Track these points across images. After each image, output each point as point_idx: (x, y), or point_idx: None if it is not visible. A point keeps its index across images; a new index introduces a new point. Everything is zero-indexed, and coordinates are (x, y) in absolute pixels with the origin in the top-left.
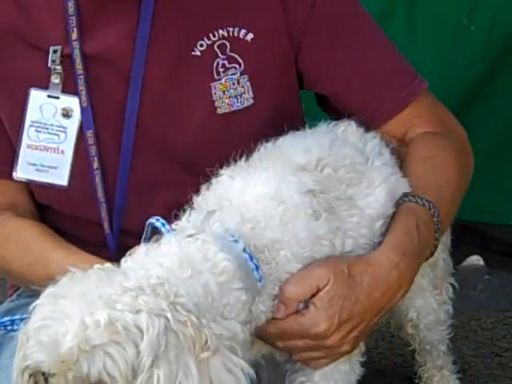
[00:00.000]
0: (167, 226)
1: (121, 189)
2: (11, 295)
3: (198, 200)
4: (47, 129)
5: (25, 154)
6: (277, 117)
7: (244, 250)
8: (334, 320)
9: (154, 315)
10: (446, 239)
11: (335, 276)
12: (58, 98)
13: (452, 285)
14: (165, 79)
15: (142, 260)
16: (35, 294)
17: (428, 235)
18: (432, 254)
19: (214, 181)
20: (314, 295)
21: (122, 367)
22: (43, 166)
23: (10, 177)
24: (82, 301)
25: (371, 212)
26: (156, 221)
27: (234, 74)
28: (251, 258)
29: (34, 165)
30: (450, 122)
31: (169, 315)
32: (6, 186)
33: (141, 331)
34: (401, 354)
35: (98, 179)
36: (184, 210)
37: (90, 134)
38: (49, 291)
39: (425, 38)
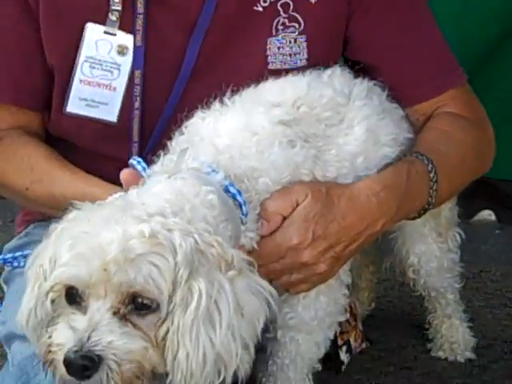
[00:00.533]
0: (147, 170)
1: (159, 130)
2: (20, 233)
3: (171, 144)
4: (101, 65)
5: (77, 89)
6: None
7: (225, 179)
8: (308, 234)
9: (185, 234)
10: None
11: (313, 193)
12: (114, 34)
13: (459, 234)
14: (224, 32)
15: (141, 196)
16: (44, 232)
17: (420, 182)
18: (425, 210)
19: (186, 124)
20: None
21: (167, 276)
22: (94, 101)
23: (31, 108)
24: (114, 220)
25: (350, 148)
26: (137, 163)
27: (293, 32)
28: (232, 185)
29: (85, 100)
30: (481, 115)
31: (196, 236)
32: (21, 113)
33: (174, 247)
34: (409, 303)
35: (136, 119)
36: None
37: (138, 73)
38: (71, 217)
39: None
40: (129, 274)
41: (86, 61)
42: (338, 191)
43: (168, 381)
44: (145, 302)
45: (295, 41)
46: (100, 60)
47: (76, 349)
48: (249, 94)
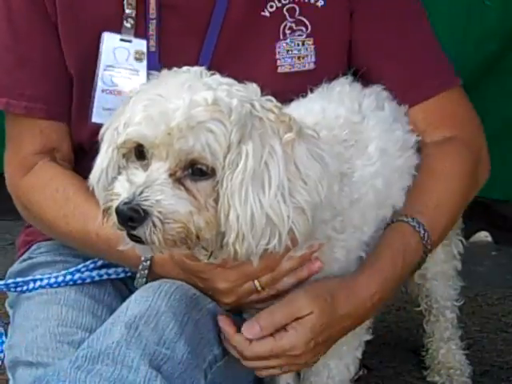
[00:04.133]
0: None
1: None
2: (22, 255)
3: None
4: (120, 72)
5: (100, 99)
6: None
7: None
8: (311, 344)
9: (244, 101)
10: None
11: (319, 307)
12: (130, 41)
13: (461, 242)
14: (234, 37)
15: None
16: (49, 251)
17: (413, 259)
18: (417, 268)
19: None
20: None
21: (222, 141)
22: None
23: (60, 119)
24: (186, 86)
25: (369, 169)
26: None
27: (301, 35)
28: None
29: (109, 110)
30: (472, 127)
31: (256, 103)
32: (51, 128)
33: (231, 111)
34: (406, 328)
35: None
36: None
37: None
38: (149, 81)
39: (439, 12)
40: (188, 141)
41: (105, 70)
42: (342, 296)
43: (225, 241)
44: (201, 167)
45: (303, 43)
46: (119, 68)
47: (127, 200)
48: None
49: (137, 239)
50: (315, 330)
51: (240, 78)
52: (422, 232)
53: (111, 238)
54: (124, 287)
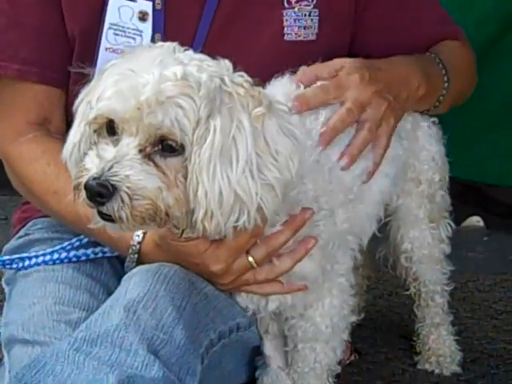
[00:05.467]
0: None
1: None
2: (18, 231)
3: None
4: (124, 32)
5: (103, 57)
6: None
7: None
8: (365, 76)
9: (214, 76)
10: (446, 177)
11: (352, 59)
12: (135, 1)
13: (450, 225)
14: (236, 2)
15: None
16: (45, 227)
17: (438, 71)
18: (439, 102)
19: None
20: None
21: (191, 116)
22: None
23: (54, 84)
24: (158, 60)
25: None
26: None
27: (308, 5)
28: None
29: None
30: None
31: (226, 78)
32: (44, 95)
33: (200, 86)
34: (398, 313)
35: None
36: None
37: (158, 36)
38: (121, 55)
39: None
40: (157, 116)
41: (110, 28)
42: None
43: (194, 218)
44: (171, 143)
45: (309, 14)
46: (123, 27)
47: (96, 175)
48: None
49: (107, 217)
50: (358, 66)
51: (243, 42)
52: (441, 64)
53: None
54: (120, 266)
